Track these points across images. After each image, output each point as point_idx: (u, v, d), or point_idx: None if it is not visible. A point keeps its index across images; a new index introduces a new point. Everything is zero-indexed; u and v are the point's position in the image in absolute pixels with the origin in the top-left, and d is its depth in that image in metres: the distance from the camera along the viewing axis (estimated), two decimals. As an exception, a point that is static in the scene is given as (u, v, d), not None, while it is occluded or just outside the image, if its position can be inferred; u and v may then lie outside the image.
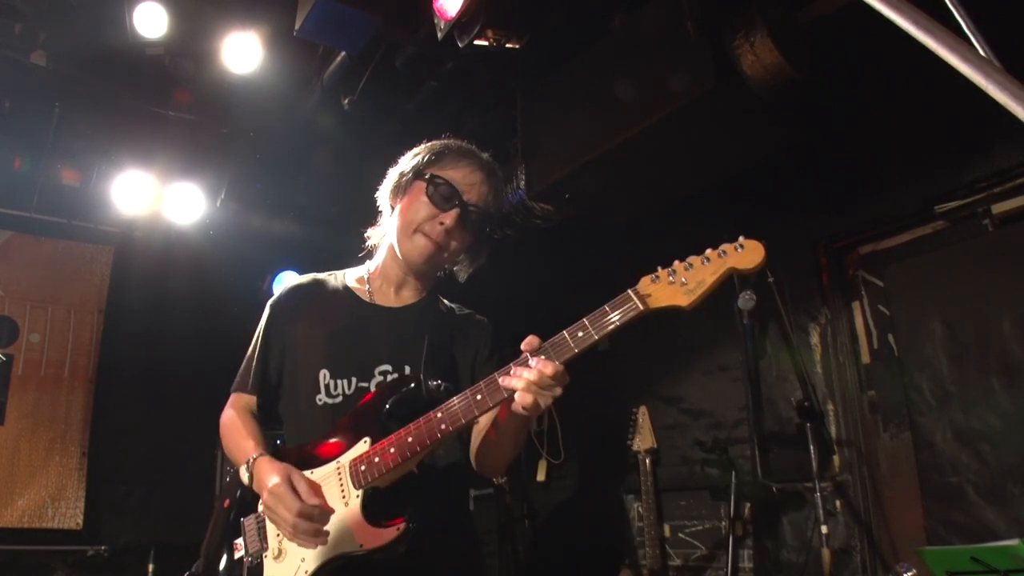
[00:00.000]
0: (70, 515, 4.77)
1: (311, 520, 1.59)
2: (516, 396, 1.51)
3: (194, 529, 4.65)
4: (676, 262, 1.50)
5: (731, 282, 3.33)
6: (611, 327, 1.48)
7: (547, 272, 4.87)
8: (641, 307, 1.47)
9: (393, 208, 1.98)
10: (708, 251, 1.49)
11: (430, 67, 3.79)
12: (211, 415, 2.00)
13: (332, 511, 1.64)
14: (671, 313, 1.49)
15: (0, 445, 4.66)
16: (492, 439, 1.77)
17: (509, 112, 4.04)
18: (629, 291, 1.50)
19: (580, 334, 1.49)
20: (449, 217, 1.87)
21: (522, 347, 1.53)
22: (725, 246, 1.48)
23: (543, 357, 1.50)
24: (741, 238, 1.48)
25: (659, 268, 1.51)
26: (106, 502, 4.94)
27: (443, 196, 1.89)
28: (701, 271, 1.47)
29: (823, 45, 3.26)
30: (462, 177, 1.92)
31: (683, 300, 1.47)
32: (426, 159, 1.94)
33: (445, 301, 2.06)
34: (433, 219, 1.88)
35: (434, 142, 2.01)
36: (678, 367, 4.26)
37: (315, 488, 1.66)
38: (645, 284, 1.50)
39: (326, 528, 1.61)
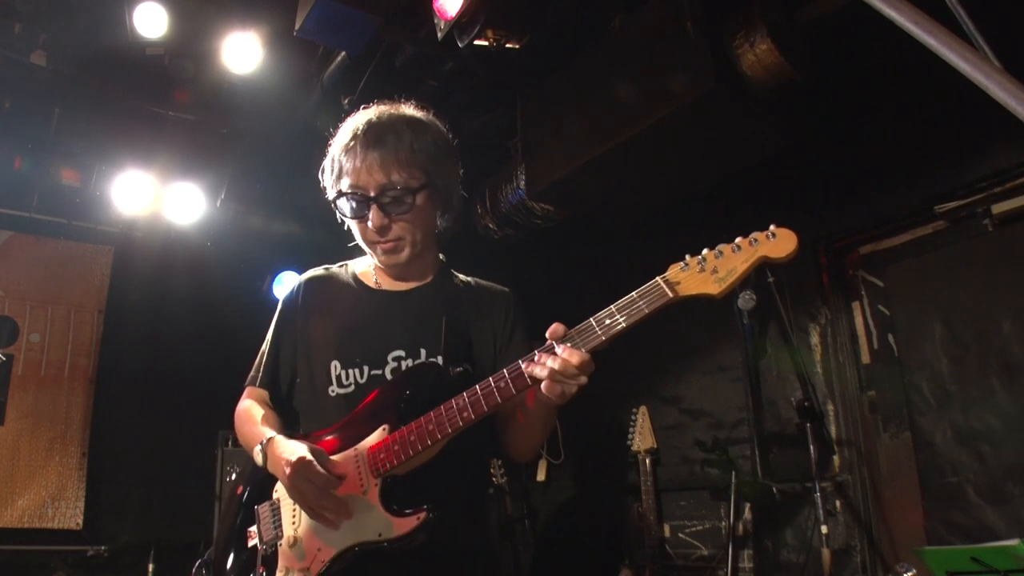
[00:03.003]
0: (70, 515, 4.77)
1: (334, 496, 1.60)
2: (542, 386, 1.49)
3: (194, 529, 4.70)
4: (705, 250, 1.46)
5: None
6: (641, 315, 1.44)
7: (547, 272, 4.87)
8: (671, 295, 1.43)
9: None
10: (739, 239, 1.45)
11: (430, 67, 3.79)
12: (211, 415, 2.01)
13: (350, 480, 1.63)
14: (700, 301, 1.46)
15: (0, 445, 4.66)
16: (521, 424, 1.75)
17: (509, 112, 4.04)
18: (658, 279, 1.46)
19: (608, 321, 1.46)
20: (373, 220, 1.76)
21: (547, 334, 1.51)
22: (756, 234, 1.45)
23: (569, 345, 1.48)
24: (772, 227, 1.44)
25: (687, 256, 1.47)
26: (106, 502, 4.94)
27: (354, 207, 1.80)
28: (732, 259, 1.44)
29: (823, 45, 3.26)
30: (355, 174, 1.77)
31: (714, 288, 1.43)
32: (330, 176, 1.85)
33: (460, 275, 1.98)
34: (367, 231, 1.81)
35: (331, 144, 1.89)
36: (678, 367, 4.26)
37: (338, 464, 1.65)
38: (674, 272, 1.46)
39: (345, 516, 1.61)
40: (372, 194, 1.76)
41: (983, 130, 2.98)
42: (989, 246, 3.14)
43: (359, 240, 1.87)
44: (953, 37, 0.85)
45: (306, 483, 1.59)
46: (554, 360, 1.47)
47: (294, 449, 1.65)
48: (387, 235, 1.79)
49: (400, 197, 1.77)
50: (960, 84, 0.92)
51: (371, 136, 1.79)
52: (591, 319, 1.49)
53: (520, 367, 1.52)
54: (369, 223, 1.78)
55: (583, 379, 1.49)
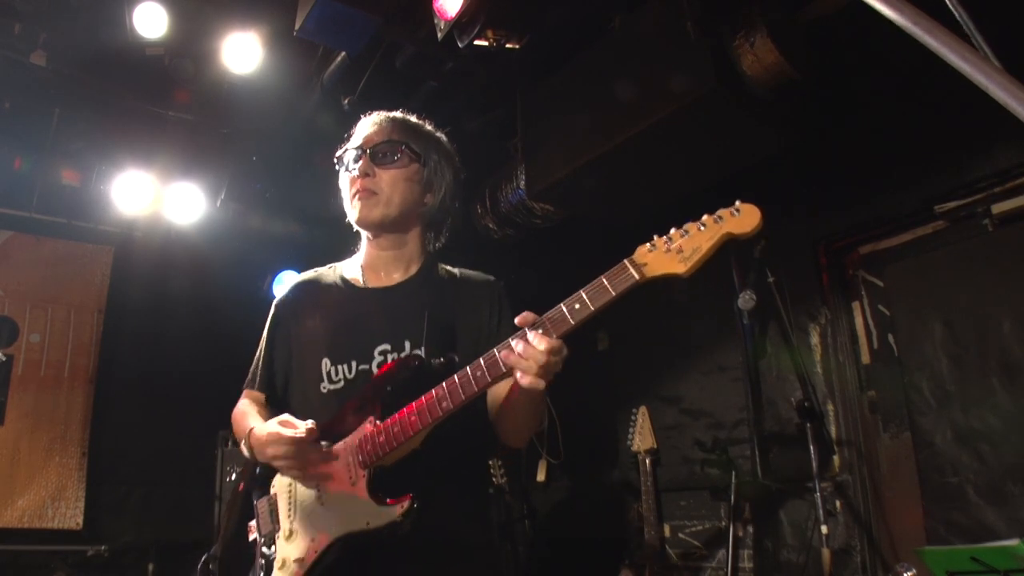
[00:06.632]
0: (70, 515, 4.77)
1: (316, 449, 1.67)
2: (516, 375, 1.51)
3: (194, 529, 4.70)
4: (673, 229, 1.47)
5: (731, 282, 3.33)
6: (608, 298, 1.45)
7: (546, 272, 4.87)
8: (637, 276, 1.44)
9: None
10: (705, 217, 1.46)
11: (430, 67, 3.79)
12: (211, 415, 2.02)
13: (339, 471, 1.68)
14: (669, 281, 1.46)
15: (0, 445, 4.66)
16: (507, 412, 1.78)
17: (509, 112, 4.04)
18: (625, 261, 1.47)
19: (577, 306, 1.48)
20: (360, 166, 1.92)
21: (517, 322, 1.53)
22: (722, 211, 1.45)
23: (540, 331, 1.49)
24: (738, 203, 1.44)
25: (655, 236, 1.48)
26: (106, 502, 4.94)
27: (350, 160, 1.96)
28: (697, 237, 1.44)
29: (823, 45, 3.26)
30: (359, 135, 1.99)
31: (680, 268, 1.44)
32: (339, 150, 2.04)
33: (447, 267, 2.04)
34: (353, 179, 1.94)
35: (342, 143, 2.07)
36: (678, 367, 4.26)
37: (308, 421, 1.70)
38: (641, 253, 1.47)
39: (335, 507, 1.66)
40: (367, 147, 1.95)
41: (983, 130, 2.98)
42: (989, 246, 3.14)
43: (344, 196, 1.99)
44: (953, 37, 0.85)
45: (283, 448, 1.66)
46: (525, 347, 1.49)
47: (265, 427, 1.72)
48: (367, 183, 1.91)
49: (391, 151, 1.94)
50: (960, 84, 0.92)
51: (384, 115, 2.03)
52: (561, 305, 1.50)
53: (495, 355, 1.55)
54: (356, 170, 1.93)
55: (557, 365, 1.51)
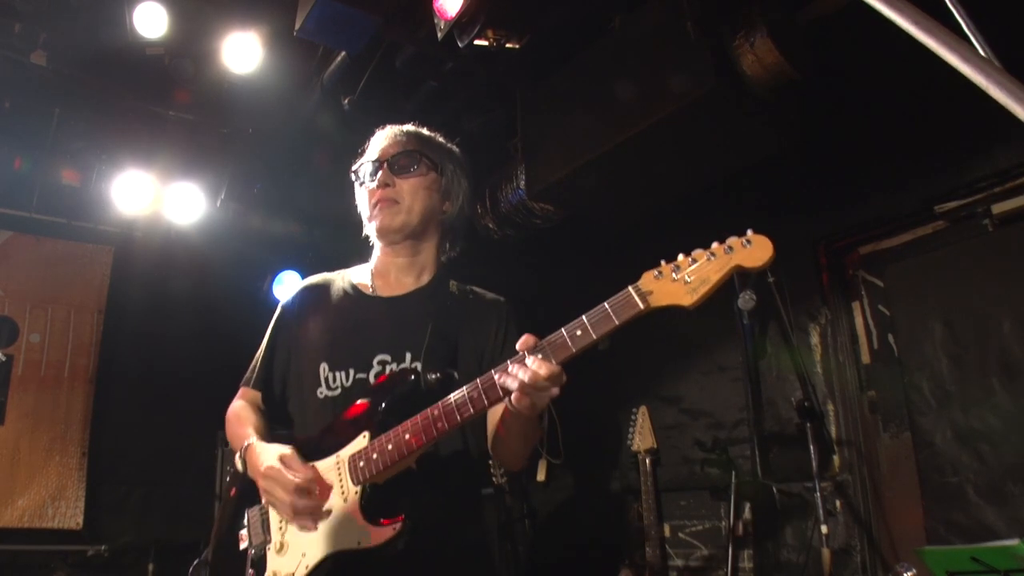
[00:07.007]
0: (70, 515, 4.78)
1: (309, 496, 1.61)
2: (512, 398, 1.49)
3: (194, 529, 4.71)
4: (681, 256, 1.42)
5: (731, 281, 3.33)
6: (611, 327, 1.41)
7: (546, 272, 4.87)
8: (642, 306, 1.39)
9: None
10: (714, 245, 1.40)
11: (430, 67, 3.79)
12: (211, 415, 2.02)
13: (330, 486, 1.65)
14: (673, 312, 1.42)
15: (0, 445, 4.66)
16: (501, 435, 1.77)
17: (509, 112, 4.04)
18: (630, 288, 1.42)
19: (579, 333, 1.44)
20: (379, 178, 1.93)
21: (517, 346, 1.50)
22: (732, 241, 1.39)
23: (539, 356, 1.46)
24: (749, 232, 1.38)
25: (662, 262, 1.43)
26: (106, 502, 4.94)
27: (368, 173, 1.97)
28: (705, 268, 1.38)
29: (823, 45, 3.26)
30: (375, 148, 2.01)
31: (686, 300, 1.39)
32: (353, 164, 2.05)
33: (458, 283, 2.03)
34: (372, 192, 1.95)
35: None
36: (678, 367, 4.26)
37: (309, 467, 1.65)
38: (647, 280, 1.42)
39: (326, 510, 1.63)
40: (383, 158, 1.96)
41: (983, 130, 2.98)
42: (989, 246, 3.15)
43: (363, 209, 1.99)
44: (953, 37, 0.85)
45: (277, 489, 1.62)
46: (524, 372, 1.45)
47: (267, 456, 1.67)
48: (388, 192, 1.92)
49: (409, 163, 1.96)
50: (960, 84, 0.92)
51: (398, 127, 2.06)
52: (562, 330, 1.47)
53: (493, 378, 1.51)
54: (375, 182, 1.93)
55: (554, 391, 1.48)
